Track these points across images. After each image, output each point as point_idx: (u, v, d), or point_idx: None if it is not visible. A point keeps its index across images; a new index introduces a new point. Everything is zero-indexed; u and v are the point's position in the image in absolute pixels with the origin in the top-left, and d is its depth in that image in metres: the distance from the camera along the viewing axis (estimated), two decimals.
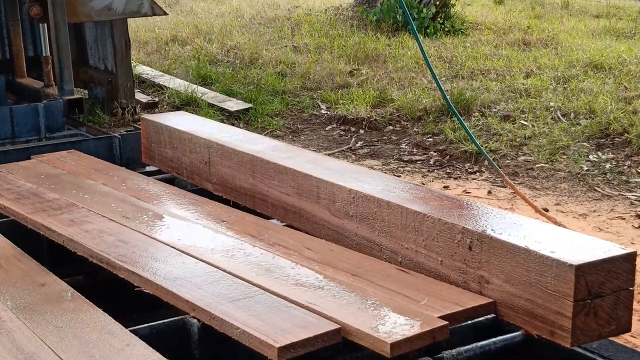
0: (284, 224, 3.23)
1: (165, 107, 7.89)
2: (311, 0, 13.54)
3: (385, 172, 6.05)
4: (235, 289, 2.45)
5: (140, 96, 7.70)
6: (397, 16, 10.65)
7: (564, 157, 6.36)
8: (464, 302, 2.37)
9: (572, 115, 7.09)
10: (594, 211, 5.47)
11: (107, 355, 2.19)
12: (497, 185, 5.99)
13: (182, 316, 2.50)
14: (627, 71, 8.19)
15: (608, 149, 6.47)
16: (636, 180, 5.94)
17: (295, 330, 2.19)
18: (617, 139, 6.58)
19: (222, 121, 6.97)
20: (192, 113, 5.79)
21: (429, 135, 7.05)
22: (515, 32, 10.53)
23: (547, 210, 5.43)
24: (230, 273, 2.58)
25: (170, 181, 3.93)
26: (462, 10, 11.63)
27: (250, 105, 7.86)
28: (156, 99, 7.76)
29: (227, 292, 2.44)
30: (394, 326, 2.20)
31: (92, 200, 3.35)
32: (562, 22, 11.44)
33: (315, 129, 7.50)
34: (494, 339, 2.50)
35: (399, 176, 6.06)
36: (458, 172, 6.33)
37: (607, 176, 6.02)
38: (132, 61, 7.47)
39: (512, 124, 7.01)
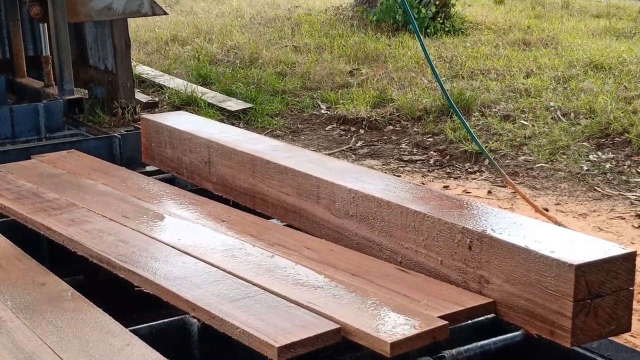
0: (284, 223, 3.23)
1: (165, 107, 7.89)
2: (311, 0, 13.53)
3: (385, 172, 6.05)
4: (235, 289, 2.45)
5: (140, 96, 7.70)
6: (397, 16, 10.65)
7: (564, 157, 6.36)
8: (464, 302, 2.36)
9: (572, 115, 7.09)
10: (594, 211, 5.47)
11: (107, 355, 2.19)
12: (497, 185, 5.99)
13: (182, 316, 2.50)
14: (627, 71, 8.19)
15: (608, 148, 6.47)
16: (636, 180, 5.94)
17: (295, 330, 2.19)
18: (617, 138, 6.58)
19: (222, 121, 6.97)
20: (192, 113, 5.79)
21: (429, 135, 7.05)
22: (515, 32, 10.53)
23: (547, 210, 5.43)
24: (230, 273, 2.58)
25: (170, 181, 3.93)
26: (463, 10, 11.63)
27: (250, 105, 7.86)
28: (156, 99, 7.76)
29: (227, 291, 2.44)
30: (394, 326, 2.20)
31: (92, 200, 3.35)
32: (562, 22, 11.44)
33: (315, 129, 7.50)
34: (494, 339, 2.50)
35: (399, 176, 6.06)
36: (458, 172, 6.33)
37: (607, 176, 6.02)
38: (132, 61, 7.48)
39: (512, 123, 7.01)
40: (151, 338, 2.34)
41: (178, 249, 2.79)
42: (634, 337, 3.85)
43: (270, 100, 8.03)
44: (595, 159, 6.29)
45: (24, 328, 2.35)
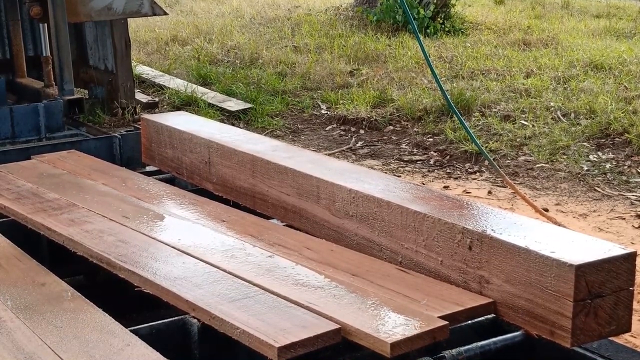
0: (284, 224, 3.23)
1: (165, 107, 7.89)
2: (311, 0, 13.53)
3: (386, 172, 6.05)
4: (235, 289, 2.45)
5: (141, 96, 7.70)
6: (397, 16, 10.65)
7: (564, 157, 6.36)
8: (464, 302, 2.36)
9: (572, 115, 7.09)
10: (594, 211, 5.47)
11: (107, 355, 2.19)
12: (497, 185, 5.99)
13: (182, 316, 2.50)
14: (628, 71, 8.19)
15: (608, 149, 6.47)
16: (636, 180, 5.94)
17: (295, 330, 2.19)
18: (617, 139, 6.58)
19: (222, 121, 6.97)
20: (192, 113, 5.79)
21: (429, 135, 7.05)
22: (515, 32, 10.53)
23: (547, 210, 5.43)
24: (230, 273, 2.58)
25: (171, 181, 3.93)
26: (463, 10, 11.62)
27: (250, 105, 7.86)
28: (156, 99, 7.76)
29: (227, 292, 2.44)
30: (394, 326, 2.20)
31: (92, 200, 3.35)
32: (562, 22, 11.44)
33: (315, 129, 7.50)
34: (494, 339, 2.50)
35: (399, 176, 6.06)
36: (458, 172, 6.33)
37: (607, 176, 6.02)
38: (132, 61, 7.47)
39: (512, 124, 7.01)
40: (151, 338, 2.34)
41: (178, 249, 2.79)
42: (634, 337, 3.85)
43: (270, 101, 8.03)
44: (596, 159, 6.29)
45: (24, 328, 2.35)
